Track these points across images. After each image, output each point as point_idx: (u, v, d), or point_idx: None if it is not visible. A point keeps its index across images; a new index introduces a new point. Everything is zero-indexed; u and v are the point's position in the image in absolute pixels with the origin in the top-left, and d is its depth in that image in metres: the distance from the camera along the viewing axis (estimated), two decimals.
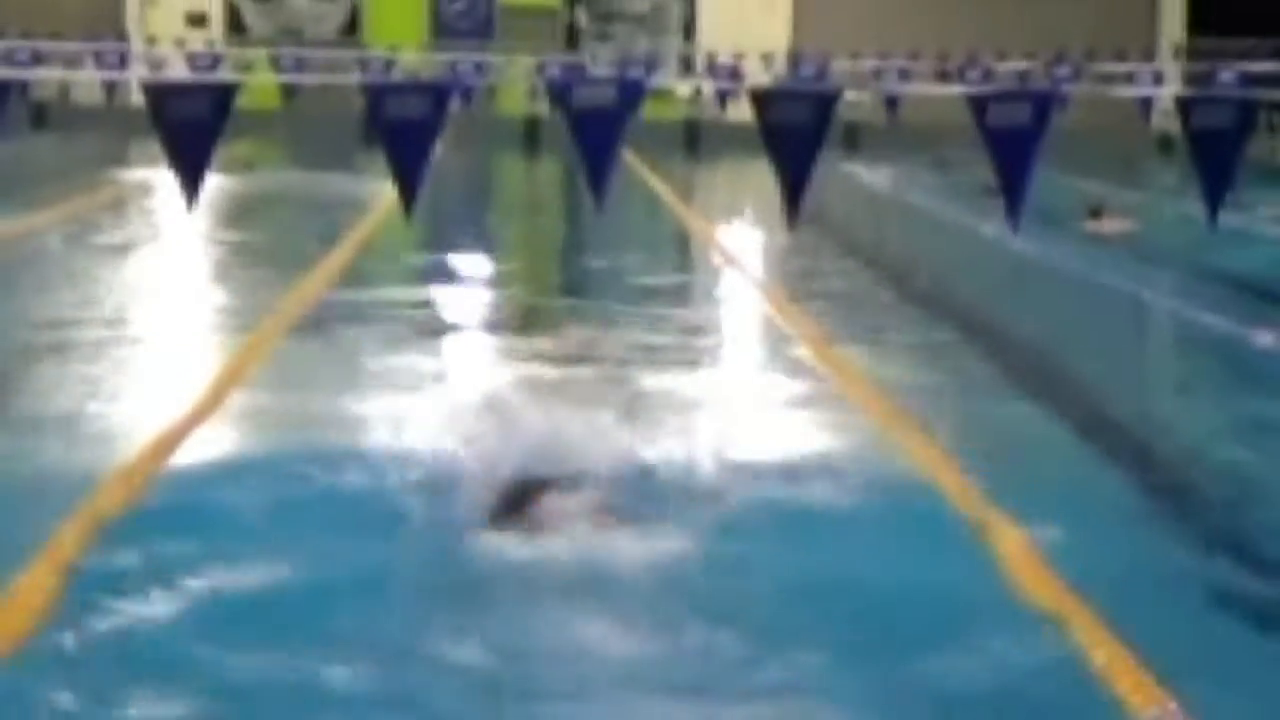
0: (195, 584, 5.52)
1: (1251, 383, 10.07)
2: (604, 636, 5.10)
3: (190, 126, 6.17)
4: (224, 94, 6.25)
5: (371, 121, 6.39)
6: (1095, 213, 17.98)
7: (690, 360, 10.21)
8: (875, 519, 6.41)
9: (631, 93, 6.49)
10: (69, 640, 5.04)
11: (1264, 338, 10.99)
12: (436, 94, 6.27)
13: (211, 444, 7.53)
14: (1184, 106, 6.80)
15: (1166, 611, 5.61)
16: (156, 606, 5.35)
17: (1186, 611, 5.66)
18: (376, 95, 6.28)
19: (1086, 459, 7.86)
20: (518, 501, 6.20)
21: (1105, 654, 5.04)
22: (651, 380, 9.22)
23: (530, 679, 4.83)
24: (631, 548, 5.81)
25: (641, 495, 6.36)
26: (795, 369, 9.90)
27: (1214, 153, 6.64)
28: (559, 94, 6.49)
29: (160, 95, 6.23)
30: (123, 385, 9.06)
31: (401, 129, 6.24)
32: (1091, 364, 10.39)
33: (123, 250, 14.89)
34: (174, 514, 6.30)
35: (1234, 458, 8.00)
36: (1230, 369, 10.52)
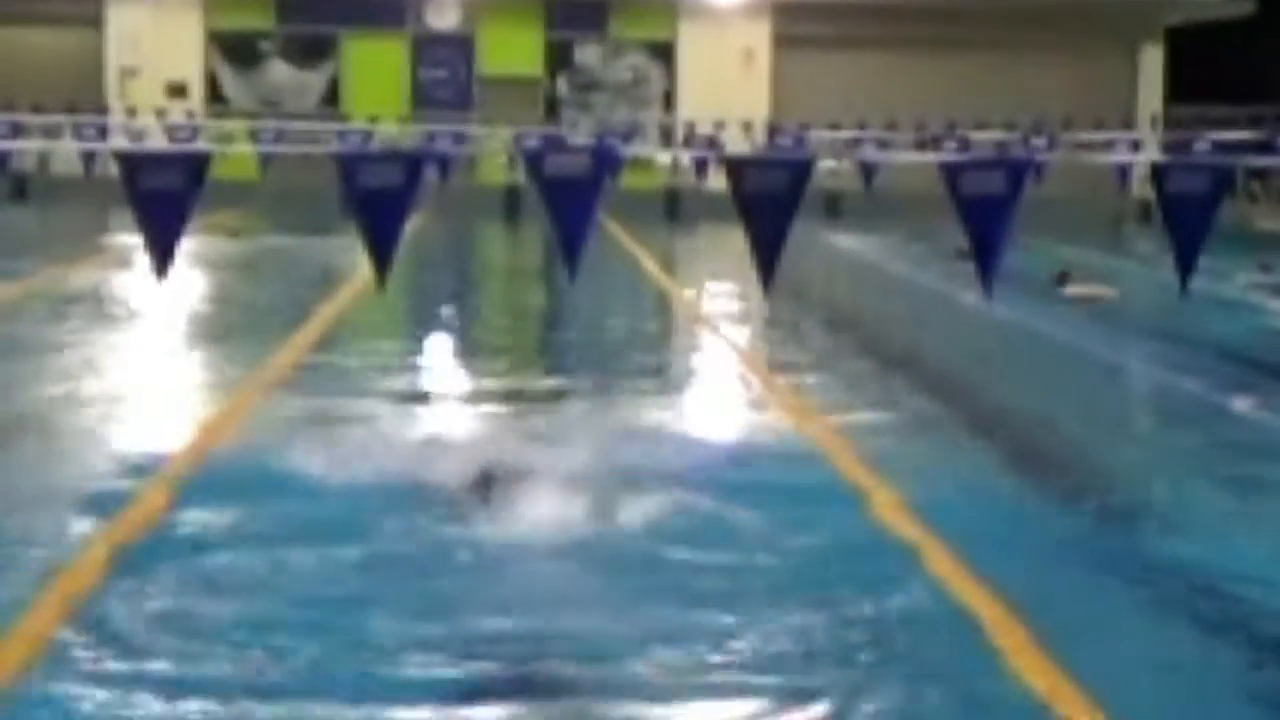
0: None
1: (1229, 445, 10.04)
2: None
3: (162, 196, 6.16)
4: (197, 164, 6.24)
5: (345, 191, 6.37)
6: (1062, 278, 18.04)
7: (671, 428, 10.20)
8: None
9: (605, 162, 6.47)
10: None
11: (1241, 403, 11.00)
12: (409, 164, 6.27)
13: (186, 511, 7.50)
14: (1158, 173, 6.82)
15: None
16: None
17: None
18: (349, 165, 6.27)
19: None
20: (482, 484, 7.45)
21: None
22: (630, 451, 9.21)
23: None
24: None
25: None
26: (773, 432, 9.94)
27: (1187, 218, 6.66)
28: (532, 163, 6.48)
29: (133, 165, 6.22)
30: (99, 452, 8.99)
31: (374, 199, 6.22)
32: (1067, 428, 10.39)
33: (99, 320, 14.83)
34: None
35: None
36: (1207, 434, 10.48)
